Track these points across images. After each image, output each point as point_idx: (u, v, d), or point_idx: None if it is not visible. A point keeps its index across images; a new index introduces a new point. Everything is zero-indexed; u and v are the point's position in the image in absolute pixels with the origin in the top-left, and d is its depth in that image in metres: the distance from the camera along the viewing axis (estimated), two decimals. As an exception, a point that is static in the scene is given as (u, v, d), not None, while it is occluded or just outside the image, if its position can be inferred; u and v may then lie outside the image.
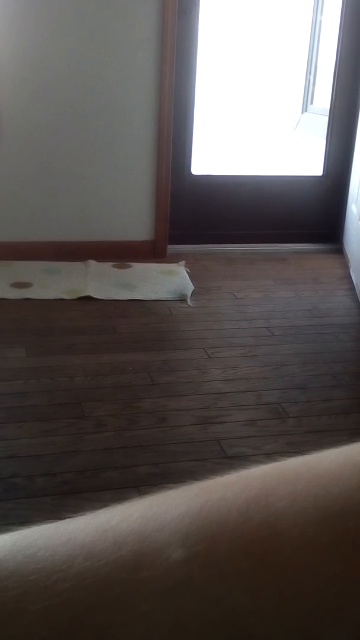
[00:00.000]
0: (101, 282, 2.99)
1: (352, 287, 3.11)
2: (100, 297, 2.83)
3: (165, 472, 1.71)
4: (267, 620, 0.21)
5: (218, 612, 0.21)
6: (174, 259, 3.33)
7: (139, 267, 3.20)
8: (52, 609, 0.21)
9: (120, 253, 3.29)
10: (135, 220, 3.35)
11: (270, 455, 1.80)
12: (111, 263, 3.21)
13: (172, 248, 3.41)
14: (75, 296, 2.82)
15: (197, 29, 3.24)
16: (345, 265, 3.40)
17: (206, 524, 0.22)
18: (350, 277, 3.23)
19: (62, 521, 0.24)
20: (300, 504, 0.22)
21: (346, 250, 3.49)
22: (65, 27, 3.01)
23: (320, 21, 4.46)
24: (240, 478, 0.24)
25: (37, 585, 0.21)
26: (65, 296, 2.82)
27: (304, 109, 5.39)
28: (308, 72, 4.97)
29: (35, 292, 2.84)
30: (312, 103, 5.16)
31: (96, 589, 0.21)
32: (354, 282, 3.12)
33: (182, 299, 2.86)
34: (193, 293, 2.93)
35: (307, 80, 5.06)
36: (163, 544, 0.22)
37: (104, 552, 0.22)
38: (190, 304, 2.83)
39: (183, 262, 3.28)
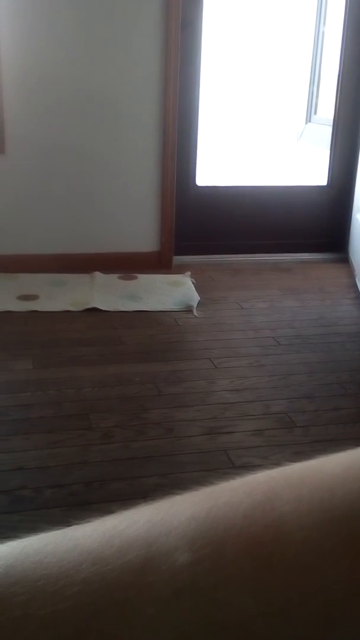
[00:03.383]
0: (107, 293, 2.99)
1: (358, 296, 3.11)
2: (107, 309, 2.84)
3: (173, 482, 1.71)
4: (273, 623, 0.21)
5: (224, 615, 0.21)
6: (180, 269, 3.34)
7: (144, 278, 3.21)
8: (60, 614, 0.21)
9: (126, 264, 3.30)
10: (141, 232, 3.36)
11: (278, 466, 1.79)
12: (117, 274, 3.22)
13: (177, 259, 3.42)
14: (81, 308, 2.83)
15: (200, 40, 3.27)
16: (350, 274, 3.40)
17: (212, 528, 0.22)
18: (356, 286, 3.23)
19: (69, 528, 0.24)
20: (305, 508, 0.22)
21: (352, 259, 3.48)
22: (70, 41, 3.04)
23: (323, 32, 4.48)
24: (246, 483, 0.24)
25: (45, 590, 0.21)
26: (71, 308, 2.83)
27: (308, 119, 5.41)
28: (311, 82, 4.99)
29: (42, 304, 2.85)
30: (315, 113, 5.18)
31: (103, 594, 0.21)
32: (360, 291, 3.12)
33: (188, 310, 2.87)
34: (199, 303, 2.94)
35: (311, 90, 5.09)
36: (169, 549, 0.22)
37: (110, 557, 0.22)
38: (197, 315, 2.83)
39: (189, 273, 3.28)
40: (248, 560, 0.21)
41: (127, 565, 0.22)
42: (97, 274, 3.20)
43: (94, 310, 2.82)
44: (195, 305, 2.91)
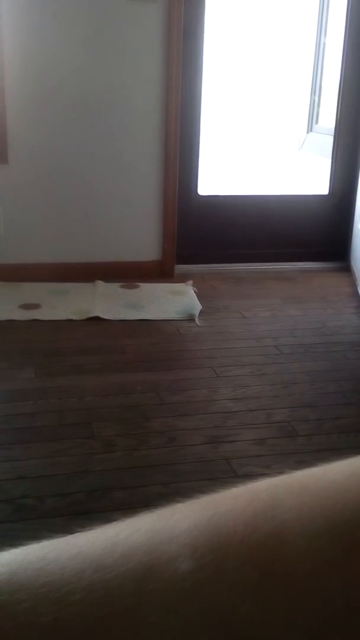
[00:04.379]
0: (109, 302, 3.00)
1: (359, 305, 3.11)
2: (109, 318, 2.84)
3: (175, 491, 1.70)
4: (276, 631, 0.21)
5: (227, 623, 0.21)
6: (182, 278, 3.34)
7: (146, 287, 3.21)
8: (63, 621, 0.21)
9: (128, 273, 3.31)
10: (143, 241, 3.37)
11: (280, 475, 1.78)
12: (119, 283, 3.23)
13: (179, 268, 3.43)
14: (83, 317, 2.83)
15: (202, 49, 3.29)
16: (352, 283, 3.40)
17: (214, 536, 0.22)
18: (358, 294, 3.23)
19: (72, 535, 0.24)
20: (307, 515, 0.22)
21: (353, 268, 3.49)
22: (72, 50, 3.06)
23: (324, 43, 4.50)
24: (247, 490, 0.24)
25: (48, 597, 0.21)
26: (73, 317, 2.83)
27: (309, 128, 5.43)
28: (313, 92, 5.01)
29: (44, 313, 2.86)
30: (317, 123, 5.20)
31: (105, 602, 0.21)
32: (362, 299, 3.12)
33: (190, 319, 2.87)
34: (201, 312, 2.94)
35: (312, 100, 5.10)
36: (171, 556, 0.22)
37: (112, 564, 0.22)
38: (199, 324, 2.83)
39: (191, 282, 3.29)
40: (250, 568, 0.21)
41: (129, 572, 0.22)
42: (99, 282, 3.20)
43: (96, 319, 2.82)
44: (197, 314, 2.91)
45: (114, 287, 3.19)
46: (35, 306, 2.93)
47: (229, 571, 0.21)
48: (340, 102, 3.57)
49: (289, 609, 0.21)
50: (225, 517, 0.23)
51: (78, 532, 0.25)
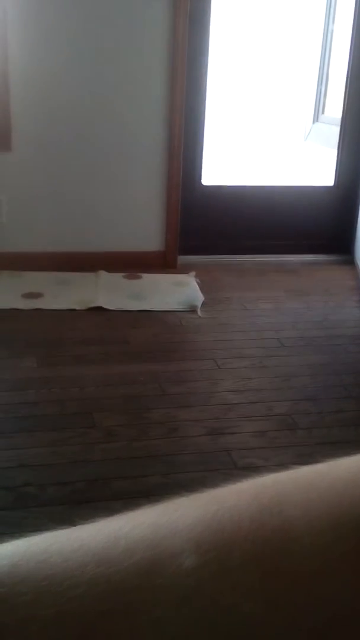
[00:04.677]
0: (112, 292, 3.00)
1: (363, 298, 3.10)
2: (111, 308, 2.84)
3: (175, 482, 1.71)
4: (279, 629, 0.21)
5: (230, 620, 0.21)
6: (185, 269, 3.33)
7: (149, 278, 3.21)
8: (64, 614, 0.21)
9: (131, 264, 3.30)
10: (146, 231, 3.36)
11: (281, 467, 1.78)
12: (122, 274, 3.22)
13: (182, 259, 3.42)
14: (86, 307, 2.83)
15: (208, 39, 3.27)
16: (356, 276, 3.39)
17: (218, 532, 0.22)
18: (361, 287, 3.22)
19: (75, 528, 0.24)
20: (313, 513, 0.22)
21: (357, 262, 3.48)
22: (76, 38, 3.04)
23: (332, 30, 4.47)
24: (253, 486, 0.24)
25: (50, 590, 0.21)
26: (76, 307, 2.83)
27: (315, 118, 5.40)
28: (319, 81, 4.98)
29: (46, 303, 2.86)
30: (323, 113, 5.17)
31: (108, 596, 0.21)
32: (365, 292, 3.11)
33: (192, 310, 2.86)
34: (203, 304, 2.93)
35: (319, 90, 5.07)
36: (175, 551, 0.22)
37: (116, 558, 0.22)
38: (201, 315, 2.83)
39: (193, 273, 3.28)
40: (255, 565, 0.21)
41: (133, 567, 0.22)
42: (102, 272, 3.20)
43: (99, 309, 2.82)
44: (199, 305, 2.91)
45: (117, 278, 3.18)
46: (38, 295, 2.93)
47: (233, 568, 0.21)
48: (347, 91, 3.54)
49: (293, 607, 0.21)
50: (230, 513, 0.23)
51: (80, 523, 0.24)
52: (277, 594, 0.21)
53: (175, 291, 3.05)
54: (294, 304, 3.02)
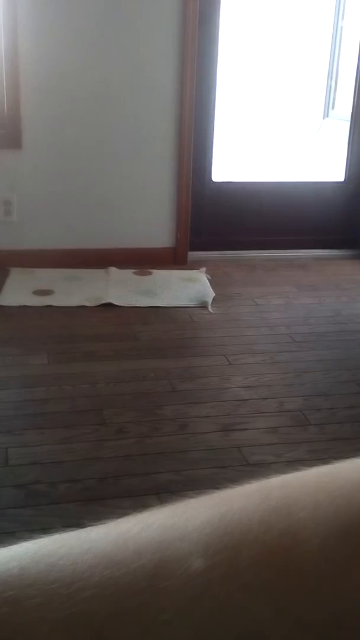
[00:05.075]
0: (122, 289, 3.00)
1: (374, 293, 3.09)
2: (122, 304, 2.84)
3: (186, 479, 1.71)
4: (289, 631, 0.20)
5: (239, 623, 0.21)
6: (195, 265, 3.33)
7: (159, 274, 3.21)
8: (73, 617, 0.21)
9: (141, 260, 3.30)
10: (156, 227, 3.36)
11: (292, 463, 1.78)
12: (132, 270, 3.23)
13: (192, 255, 3.42)
14: (96, 303, 2.84)
15: (217, 35, 3.26)
16: (367, 271, 3.37)
17: (227, 534, 0.22)
18: (372, 283, 3.20)
19: (83, 530, 0.24)
20: (321, 514, 0.22)
21: (368, 256, 3.46)
22: (86, 36, 3.04)
23: (342, 27, 4.44)
24: (261, 488, 0.24)
25: (59, 593, 0.21)
26: (86, 303, 2.83)
27: (326, 114, 5.38)
28: (329, 77, 4.96)
29: (57, 300, 2.86)
30: (333, 108, 5.14)
31: (117, 598, 0.21)
32: (377, 288, 3.09)
33: (203, 306, 2.86)
34: (214, 300, 2.93)
35: (329, 85, 5.05)
36: (184, 554, 0.22)
37: (124, 561, 0.22)
38: (211, 311, 2.83)
39: (204, 269, 3.28)
40: (263, 567, 0.21)
41: (141, 569, 0.22)
42: (112, 269, 3.20)
43: (109, 305, 2.82)
44: (210, 301, 2.90)
45: (127, 274, 3.19)
46: (49, 292, 2.94)
47: (241, 570, 0.21)
48: (357, 87, 3.52)
49: (302, 609, 0.20)
50: (239, 515, 0.23)
51: (90, 524, 0.24)
52: (285, 595, 0.21)
53: (186, 287, 3.05)
54: (305, 299, 3.01)
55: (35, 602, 0.21)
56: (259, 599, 0.21)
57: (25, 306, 2.79)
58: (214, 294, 2.98)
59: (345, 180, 3.64)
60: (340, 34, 4.53)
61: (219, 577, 0.21)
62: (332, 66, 4.82)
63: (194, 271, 3.26)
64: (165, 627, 0.21)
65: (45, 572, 0.22)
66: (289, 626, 0.20)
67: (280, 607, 0.21)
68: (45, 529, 1.44)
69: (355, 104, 3.55)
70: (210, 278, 3.17)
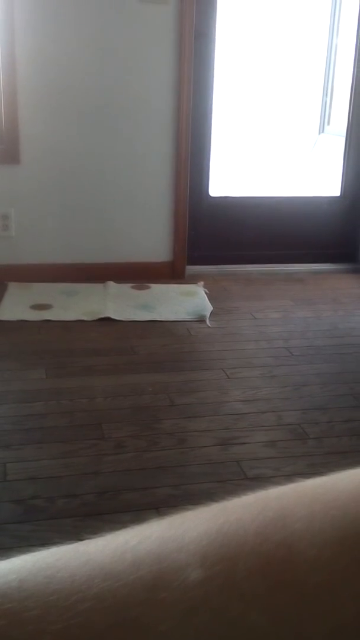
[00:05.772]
0: (120, 303, 3.00)
1: (371, 307, 3.09)
2: (120, 318, 2.84)
3: (185, 493, 1.70)
4: None
5: (236, 633, 0.21)
6: (193, 279, 3.34)
7: (157, 288, 3.22)
8: (72, 629, 0.21)
9: (139, 274, 3.31)
10: (154, 242, 3.37)
11: (291, 477, 1.78)
12: (130, 284, 3.23)
13: (190, 269, 3.43)
14: (94, 317, 2.84)
15: (214, 50, 3.29)
16: (364, 284, 3.38)
17: (224, 545, 0.22)
18: (369, 296, 3.21)
19: (81, 542, 0.24)
20: (317, 526, 0.22)
21: (365, 270, 3.47)
22: (84, 51, 3.07)
23: (336, 44, 4.49)
24: (258, 499, 0.24)
25: (57, 605, 0.21)
26: (84, 317, 2.84)
27: (321, 130, 5.41)
28: (324, 93, 4.99)
29: (55, 314, 2.87)
30: (329, 124, 5.18)
31: (115, 610, 0.21)
32: (374, 301, 3.10)
33: (201, 320, 2.87)
34: (212, 314, 2.94)
35: (324, 101, 5.09)
36: (181, 565, 0.22)
37: (122, 572, 0.22)
38: (209, 325, 2.83)
39: (202, 283, 3.29)
40: (260, 578, 0.21)
41: (139, 581, 0.22)
42: (110, 283, 3.21)
43: (107, 320, 2.82)
44: (208, 315, 2.91)
45: (125, 288, 3.19)
46: (47, 307, 2.94)
47: (238, 581, 0.21)
48: (352, 103, 3.56)
49: (298, 619, 0.21)
50: (235, 526, 0.23)
51: (88, 537, 0.25)
52: (282, 606, 0.21)
53: (184, 301, 3.06)
54: (302, 313, 3.02)
55: (34, 614, 0.21)
56: (256, 609, 0.21)
57: (23, 320, 2.80)
58: (212, 308, 2.98)
59: (341, 194, 3.67)
60: (335, 51, 4.57)
61: (217, 588, 0.21)
62: (327, 83, 4.86)
63: (192, 285, 3.27)
64: (164, 638, 0.21)
65: (44, 585, 0.22)
66: (286, 637, 0.21)
67: (277, 617, 0.21)
68: (43, 544, 1.43)
69: (350, 119, 3.59)
70: (208, 292, 3.18)
